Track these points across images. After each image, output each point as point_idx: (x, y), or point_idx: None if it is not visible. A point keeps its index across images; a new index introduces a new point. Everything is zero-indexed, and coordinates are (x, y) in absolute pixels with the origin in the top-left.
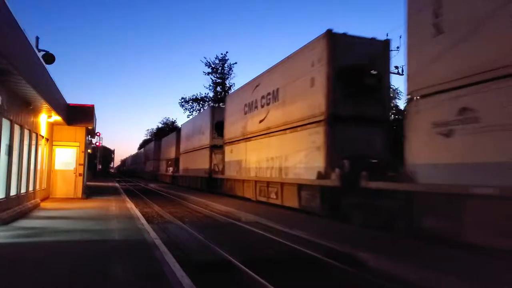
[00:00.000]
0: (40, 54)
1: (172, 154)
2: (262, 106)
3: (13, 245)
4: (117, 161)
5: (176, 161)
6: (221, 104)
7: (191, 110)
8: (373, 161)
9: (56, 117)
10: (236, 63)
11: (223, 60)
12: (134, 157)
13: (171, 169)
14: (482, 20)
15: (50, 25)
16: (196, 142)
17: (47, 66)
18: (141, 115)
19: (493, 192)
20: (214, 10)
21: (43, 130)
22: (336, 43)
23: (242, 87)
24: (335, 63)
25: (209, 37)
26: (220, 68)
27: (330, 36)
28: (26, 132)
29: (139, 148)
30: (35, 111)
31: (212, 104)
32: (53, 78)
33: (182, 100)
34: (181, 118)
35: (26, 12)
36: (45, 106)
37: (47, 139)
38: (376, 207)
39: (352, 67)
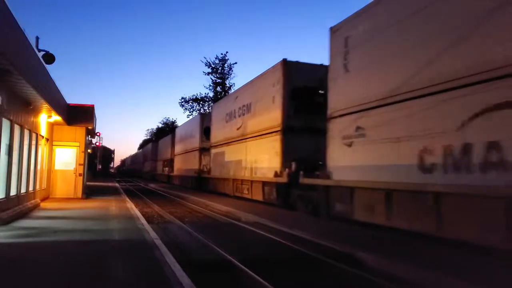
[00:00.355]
0: (40, 54)
1: (168, 155)
2: (239, 116)
3: (13, 245)
4: (117, 161)
5: (171, 162)
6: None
7: (191, 110)
8: (320, 163)
9: (56, 117)
10: (236, 63)
11: (223, 60)
12: (133, 158)
13: (166, 169)
14: (370, 67)
15: (50, 25)
16: (188, 145)
17: (47, 66)
18: (141, 115)
19: (364, 185)
20: (214, 10)
21: (43, 130)
22: (290, 69)
23: (225, 98)
24: (289, 85)
25: (209, 37)
26: (220, 68)
27: (285, 63)
28: (26, 132)
29: (139, 148)
30: (35, 111)
31: (212, 104)
32: (53, 78)
33: (182, 100)
34: (181, 118)
35: (26, 12)
36: (45, 106)
37: (47, 139)
38: (310, 198)
39: (304, 88)
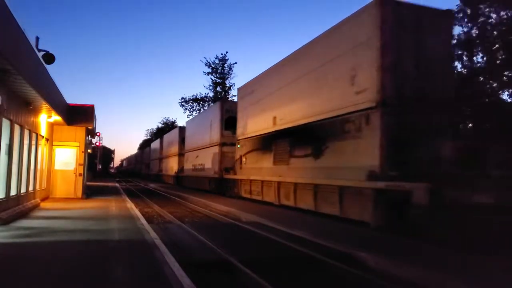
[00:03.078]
0: (40, 54)
1: (147, 160)
2: (171, 144)
3: (13, 245)
4: (117, 161)
5: (148, 165)
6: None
7: (191, 110)
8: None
9: (56, 117)
10: (236, 63)
11: (223, 60)
12: (129, 159)
13: (147, 170)
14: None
15: (50, 25)
16: (155, 155)
17: (47, 66)
18: (141, 115)
19: (190, 174)
20: (214, 10)
21: (43, 130)
22: (182, 131)
23: (165, 135)
24: (182, 134)
25: (209, 37)
26: (220, 68)
27: (180, 129)
28: (26, 132)
29: (139, 148)
30: (35, 111)
31: (212, 103)
32: (53, 78)
33: (182, 100)
34: (181, 118)
35: (26, 12)
36: (45, 106)
37: (47, 139)
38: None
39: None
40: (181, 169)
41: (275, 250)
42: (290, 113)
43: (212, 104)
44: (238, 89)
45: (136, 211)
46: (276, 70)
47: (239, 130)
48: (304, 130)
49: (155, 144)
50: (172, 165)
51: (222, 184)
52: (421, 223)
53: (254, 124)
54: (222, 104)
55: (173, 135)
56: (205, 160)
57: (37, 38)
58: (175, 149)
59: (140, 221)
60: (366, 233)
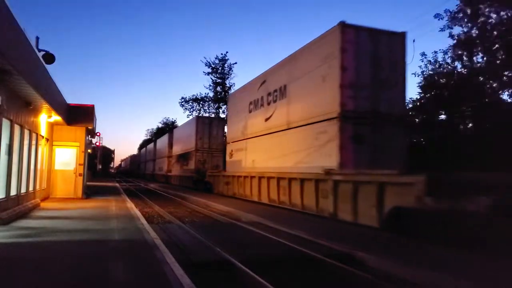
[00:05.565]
0: (40, 54)
1: (139, 162)
2: (150, 153)
3: (13, 245)
4: (117, 161)
5: (140, 165)
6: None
7: (191, 110)
8: None
9: (56, 117)
10: (236, 63)
11: (223, 60)
12: (126, 161)
13: (139, 169)
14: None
15: (50, 24)
16: (142, 159)
17: (47, 66)
18: (141, 115)
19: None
20: (215, 10)
21: (43, 130)
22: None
23: (148, 145)
24: (155, 147)
25: (209, 37)
26: (220, 68)
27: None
28: (26, 132)
29: (139, 148)
30: (35, 111)
31: (211, 103)
32: (53, 78)
33: (182, 100)
34: (181, 118)
35: (26, 12)
36: (45, 106)
37: (47, 139)
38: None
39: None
40: (153, 169)
41: (275, 249)
42: (182, 148)
43: (212, 103)
44: (174, 130)
45: (136, 211)
46: (178, 130)
47: (172, 150)
48: (184, 155)
49: (143, 150)
50: (150, 167)
51: (168, 178)
52: (210, 185)
53: (176, 148)
54: (169, 134)
55: (151, 146)
56: (163, 165)
57: (37, 38)
58: (152, 156)
59: (140, 221)
60: (365, 233)
